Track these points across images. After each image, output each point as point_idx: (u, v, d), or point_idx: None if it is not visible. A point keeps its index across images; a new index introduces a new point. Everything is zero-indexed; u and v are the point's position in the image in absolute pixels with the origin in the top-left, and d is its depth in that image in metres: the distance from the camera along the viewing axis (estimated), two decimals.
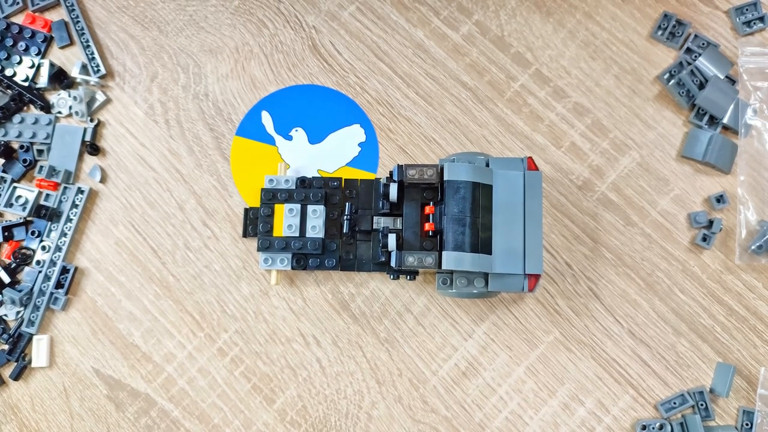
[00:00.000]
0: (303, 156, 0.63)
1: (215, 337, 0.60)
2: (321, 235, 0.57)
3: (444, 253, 0.51)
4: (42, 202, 0.62)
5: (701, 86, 0.60)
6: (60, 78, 0.64)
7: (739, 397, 0.56)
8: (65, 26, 0.65)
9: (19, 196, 0.62)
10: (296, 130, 0.63)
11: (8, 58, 0.64)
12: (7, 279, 0.60)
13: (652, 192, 0.60)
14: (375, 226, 0.57)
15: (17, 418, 0.60)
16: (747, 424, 0.55)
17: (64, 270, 0.61)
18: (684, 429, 0.55)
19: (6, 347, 0.60)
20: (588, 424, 0.56)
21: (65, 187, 0.62)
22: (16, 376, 0.60)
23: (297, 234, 0.57)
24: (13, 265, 0.61)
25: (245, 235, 0.60)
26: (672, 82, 0.61)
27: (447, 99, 0.62)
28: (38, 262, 0.62)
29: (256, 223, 0.60)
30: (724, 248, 0.58)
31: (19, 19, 0.65)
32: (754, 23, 0.61)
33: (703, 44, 0.61)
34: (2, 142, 0.62)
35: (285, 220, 0.57)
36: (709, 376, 0.57)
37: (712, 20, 0.62)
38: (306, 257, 0.57)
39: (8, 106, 0.63)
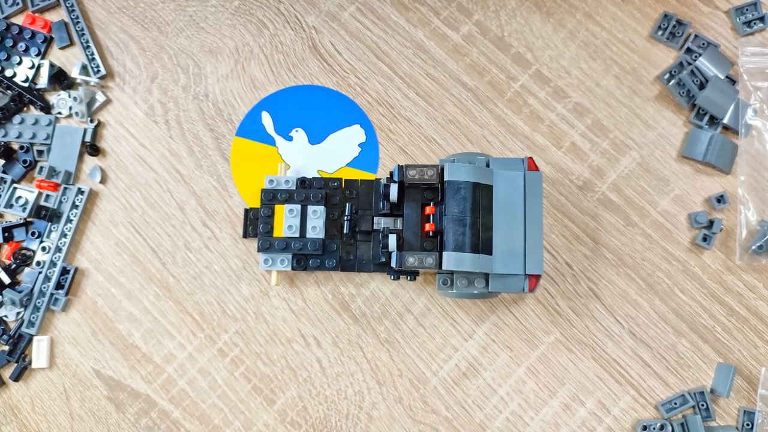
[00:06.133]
0: (303, 156, 0.63)
1: (215, 338, 0.60)
2: (321, 235, 0.57)
3: (444, 253, 0.51)
4: (42, 203, 0.62)
5: (701, 86, 0.60)
6: (60, 78, 0.64)
7: (739, 398, 0.56)
8: (65, 27, 0.65)
9: (19, 197, 0.62)
10: (296, 131, 0.63)
11: (8, 58, 0.64)
12: (7, 280, 0.60)
13: (653, 192, 0.60)
14: (375, 227, 0.57)
15: (17, 419, 0.60)
16: (748, 425, 0.55)
17: (65, 271, 0.61)
18: (685, 429, 0.55)
19: (6, 348, 0.60)
20: (589, 424, 0.56)
21: (65, 188, 0.62)
22: (17, 377, 0.60)
23: (297, 234, 0.57)
24: (13, 266, 0.61)
25: (245, 235, 0.60)
26: (672, 82, 0.61)
27: (447, 99, 0.62)
28: (38, 263, 0.61)
29: (256, 224, 0.60)
30: (725, 248, 0.58)
31: (19, 20, 0.65)
32: (754, 23, 0.61)
33: (704, 44, 0.61)
34: (2, 143, 0.62)
35: (285, 220, 0.57)
36: (709, 376, 0.57)
37: (712, 20, 0.62)
38: (306, 258, 0.57)
39: (8, 107, 0.63)
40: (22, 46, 0.64)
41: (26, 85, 0.64)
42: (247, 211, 0.60)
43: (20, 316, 0.61)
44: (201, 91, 0.64)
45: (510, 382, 0.57)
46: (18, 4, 0.65)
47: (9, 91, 0.63)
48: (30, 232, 0.61)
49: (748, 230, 0.58)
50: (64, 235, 0.62)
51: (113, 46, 0.65)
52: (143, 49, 0.65)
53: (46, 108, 0.64)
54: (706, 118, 0.60)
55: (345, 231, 0.57)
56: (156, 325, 0.60)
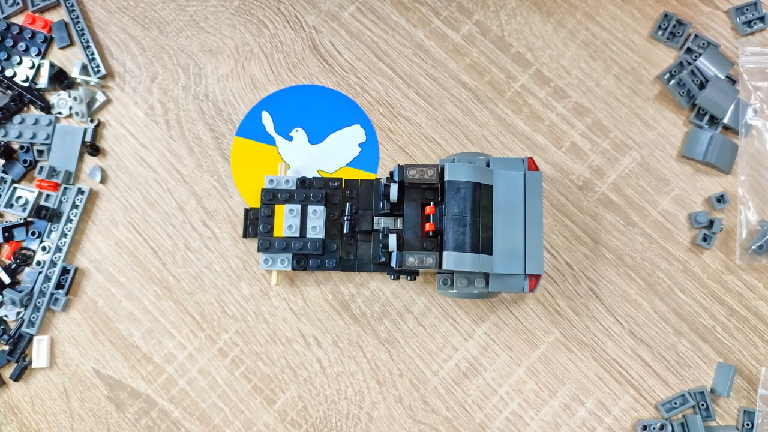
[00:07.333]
0: (303, 156, 0.63)
1: (216, 338, 0.60)
2: (321, 235, 0.57)
3: (444, 253, 0.51)
4: (42, 203, 0.62)
5: (701, 86, 0.60)
6: (60, 78, 0.64)
7: (739, 397, 0.56)
8: (65, 27, 0.65)
9: (20, 197, 0.62)
10: (296, 131, 0.63)
11: (8, 58, 0.64)
12: (7, 280, 0.60)
13: (653, 192, 0.60)
14: (375, 227, 0.57)
15: (17, 418, 0.60)
16: (748, 425, 0.55)
17: (65, 271, 0.61)
18: (685, 429, 0.55)
19: (6, 348, 0.60)
20: (589, 424, 0.56)
21: (65, 188, 0.62)
22: (17, 376, 0.60)
23: (297, 234, 0.57)
24: (14, 265, 0.61)
25: (245, 235, 0.60)
26: (672, 82, 0.61)
27: (447, 99, 0.62)
28: (38, 263, 0.61)
29: (256, 224, 0.60)
30: (725, 248, 0.58)
31: (19, 20, 0.65)
32: (755, 23, 0.61)
33: (704, 44, 0.61)
34: (2, 143, 0.62)
35: (285, 220, 0.57)
36: (709, 376, 0.57)
37: (713, 20, 0.62)
38: (306, 258, 0.57)
39: (8, 107, 0.63)
40: (22, 46, 0.64)
41: (26, 85, 0.64)
42: (247, 211, 0.60)
43: (20, 316, 0.61)
44: (201, 91, 0.64)
45: (510, 382, 0.57)
46: (18, 4, 0.65)
47: (9, 91, 0.63)
48: (30, 232, 0.61)
49: (748, 230, 0.58)
50: (64, 235, 0.62)
51: (113, 46, 0.65)
52: (143, 49, 0.65)
53: (46, 108, 0.64)
54: (706, 118, 0.60)
55: (345, 231, 0.57)
56: (156, 325, 0.60)
